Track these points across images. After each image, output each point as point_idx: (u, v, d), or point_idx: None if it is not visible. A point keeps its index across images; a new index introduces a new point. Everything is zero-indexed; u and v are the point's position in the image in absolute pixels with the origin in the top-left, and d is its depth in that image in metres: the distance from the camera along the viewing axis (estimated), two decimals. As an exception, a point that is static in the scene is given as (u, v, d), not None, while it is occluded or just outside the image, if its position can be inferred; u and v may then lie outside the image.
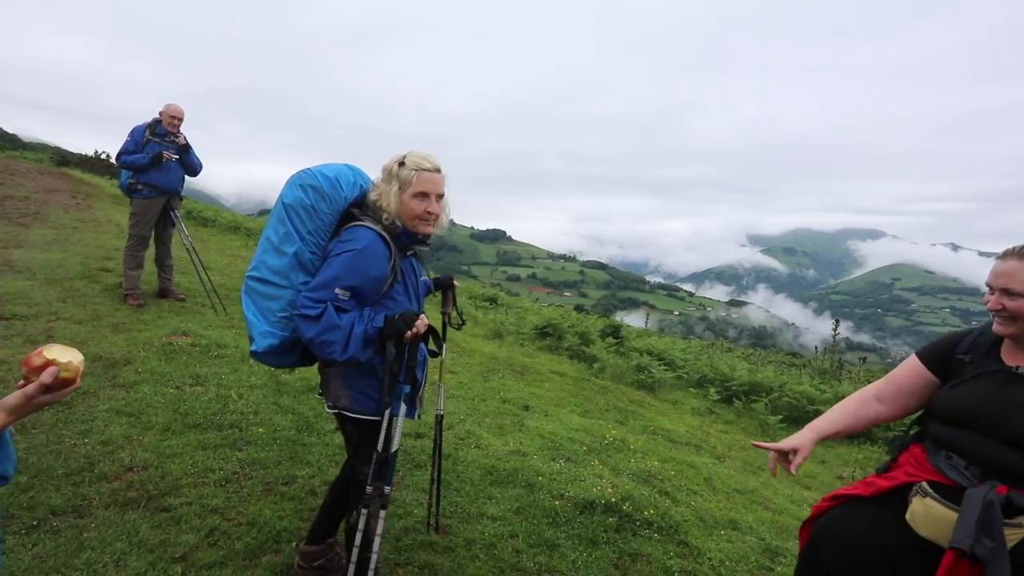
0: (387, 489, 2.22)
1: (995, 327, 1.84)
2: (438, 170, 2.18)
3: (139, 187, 6.22)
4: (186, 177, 6.57)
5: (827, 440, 2.11)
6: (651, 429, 5.77)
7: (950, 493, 1.76)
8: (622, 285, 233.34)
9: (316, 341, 2.03)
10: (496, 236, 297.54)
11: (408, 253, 2.29)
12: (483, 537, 3.04)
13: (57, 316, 5.49)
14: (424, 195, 2.15)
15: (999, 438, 1.73)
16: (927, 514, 1.78)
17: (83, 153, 25.42)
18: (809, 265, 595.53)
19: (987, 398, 1.79)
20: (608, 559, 3.04)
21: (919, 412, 2.07)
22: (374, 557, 2.18)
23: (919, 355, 2.04)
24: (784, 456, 2.01)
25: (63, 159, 24.06)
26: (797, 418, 7.49)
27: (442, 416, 2.90)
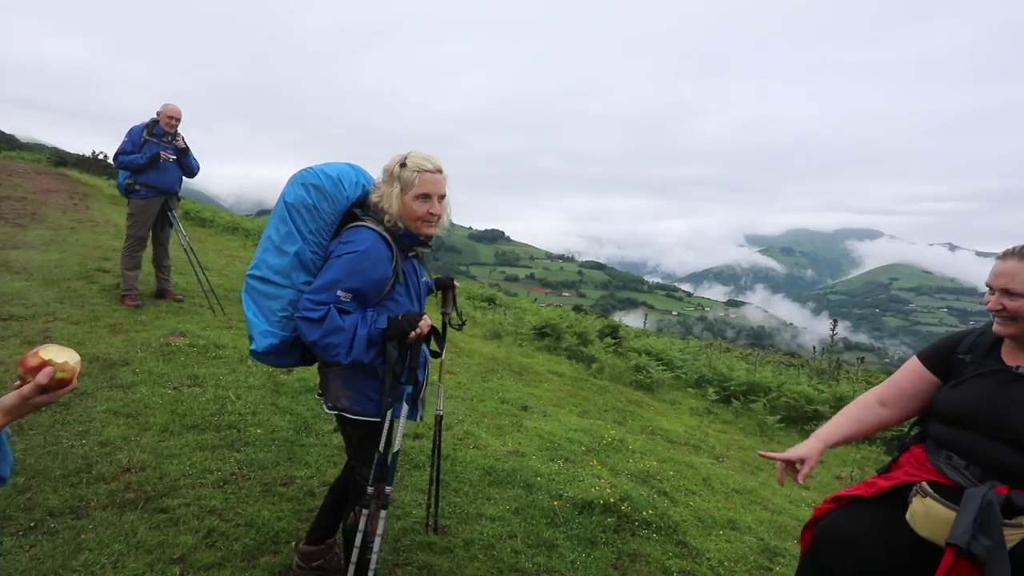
0: (388, 489, 2.21)
1: (995, 327, 1.84)
2: (440, 171, 2.17)
3: (137, 187, 6.21)
4: (183, 178, 6.56)
5: (834, 448, 2.11)
6: (649, 429, 5.77)
7: (950, 493, 1.76)
8: (620, 285, 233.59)
9: (320, 344, 2.02)
10: (495, 236, 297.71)
11: (409, 254, 2.28)
12: (482, 537, 3.04)
13: (54, 317, 5.48)
14: (426, 196, 2.14)
15: (999, 438, 1.73)
16: (927, 514, 1.78)
17: (81, 153, 25.39)
18: (807, 265, 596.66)
19: (987, 398, 1.79)
20: (607, 559, 3.04)
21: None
22: (374, 557, 2.18)
23: (920, 357, 2.04)
24: (791, 465, 2.01)
25: (61, 159, 24.03)
26: (795, 418, 7.50)
27: (441, 416, 2.90)
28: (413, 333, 2.09)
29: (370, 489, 2.17)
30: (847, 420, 2.09)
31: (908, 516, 1.83)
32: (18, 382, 1.25)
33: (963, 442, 1.81)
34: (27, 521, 2.65)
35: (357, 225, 2.14)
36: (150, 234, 6.46)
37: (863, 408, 2.10)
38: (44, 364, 1.24)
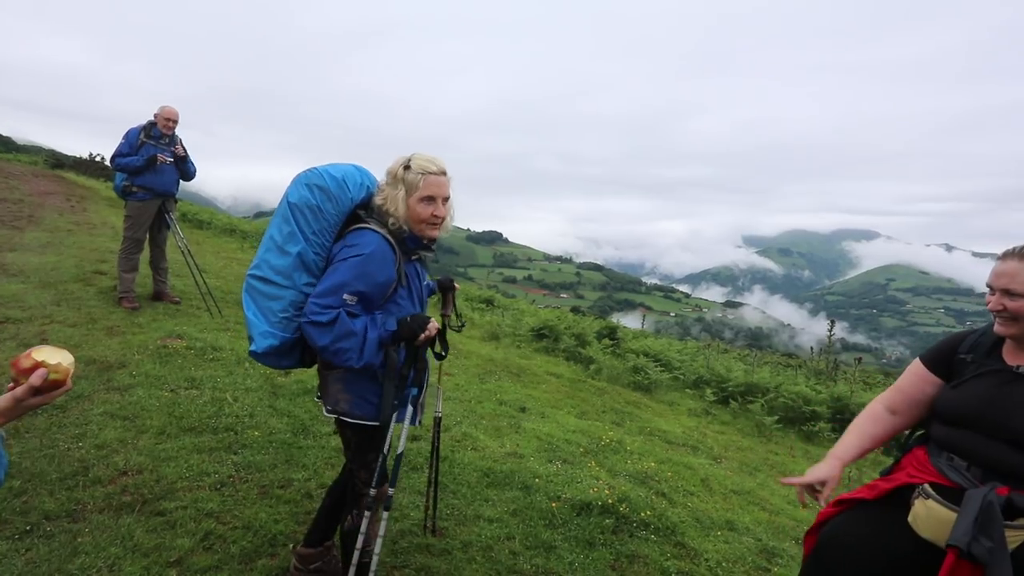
0: (390, 491, 2.20)
1: (996, 327, 1.84)
2: (444, 173, 2.15)
3: (134, 189, 6.19)
4: (180, 180, 6.54)
5: (852, 462, 2.11)
6: (647, 430, 5.77)
7: (952, 495, 1.75)
8: (618, 286, 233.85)
9: (331, 349, 1.99)
10: (492, 238, 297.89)
11: (413, 257, 2.27)
12: (480, 539, 3.03)
13: (51, 319, 5.45)
14: (431, 199, 2.12)
15: (1000, 438, 1.73)
16: (929, 516, 1.77)
17: (78, 155, 25.36)
18: (804, 266, 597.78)
19: (988, 398, 1.79)
20: (605, 560, 3.03)
21: None
22: (374, 559, 2.17)
23: (922, 359, 2.03)
24: (811, 487, 1.99)
25: (57, 162, 24.00)
26: (793, 419, 7.50)
27: (440, 418, 2.89)
28: (423, 335, 2.08)
29: (372, 491, 2.16)
30: (860, 435, 2.07)
31: (910, 518, 1.82)
32: (11, 384, 1.24)
33: (964, 443, 1.80)
34: (23, 525, 2.63)
35: (361, 227, 2.12)
36: (147, 236, 6.44)
37: (874, 419, 2.09)
38: (37, 366, 1.23)
